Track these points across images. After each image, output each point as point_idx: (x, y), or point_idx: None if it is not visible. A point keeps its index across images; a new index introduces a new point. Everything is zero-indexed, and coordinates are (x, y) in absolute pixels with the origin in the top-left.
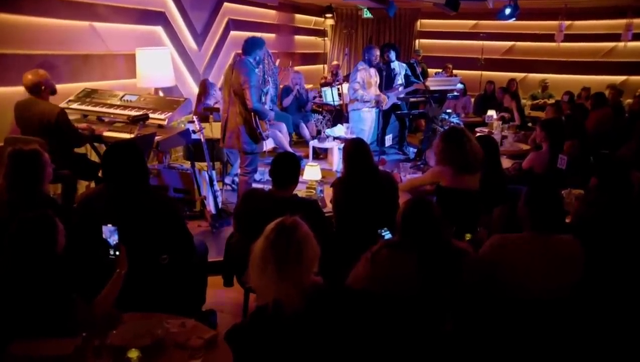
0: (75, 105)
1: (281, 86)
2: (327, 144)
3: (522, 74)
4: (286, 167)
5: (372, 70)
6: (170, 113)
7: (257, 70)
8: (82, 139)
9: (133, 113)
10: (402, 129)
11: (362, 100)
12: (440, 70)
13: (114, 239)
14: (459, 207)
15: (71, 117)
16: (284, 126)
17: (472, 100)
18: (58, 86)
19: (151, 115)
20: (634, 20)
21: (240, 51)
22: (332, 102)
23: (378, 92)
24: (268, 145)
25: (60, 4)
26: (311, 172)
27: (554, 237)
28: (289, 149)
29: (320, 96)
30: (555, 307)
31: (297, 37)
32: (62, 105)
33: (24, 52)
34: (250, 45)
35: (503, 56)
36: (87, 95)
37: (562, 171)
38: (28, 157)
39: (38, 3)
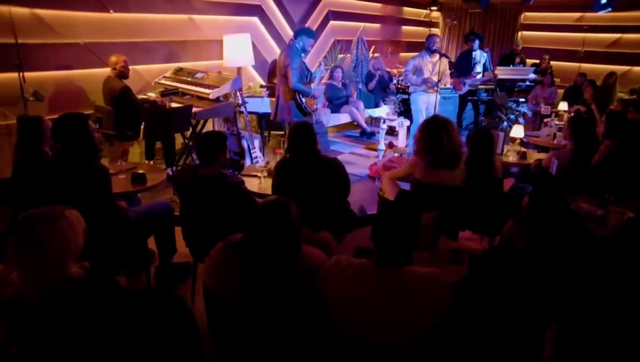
0: (163, 81)
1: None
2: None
3: (626, 67)
4: (206, 145)
5: (429, 57)
6: (216, 89)
7: (302, 55)
8: (139, 111)
9: (194, 88)
10: (476, 114)
11: (412, 83)
12: (537, 61)
13: None
14: (433, 201)
15: (160, 89)
16: (361, 104)
17: (558, 91)
18: (158, 65)
19: (202, 90)
20: None
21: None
22: None
23: (429, 75)
24: (344, 119)
25: (164, 2)
26: None
27: (404, 271)
28: (363, 124)
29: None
30: (389, 357)
31: (405, 28)
32: (156, 80)
33: (129, 40)
34: (299, 32)
35: (607, 49)
36: (175, 73)
37: (587, 172)
38: (31, 122)
39: (144, 2)
